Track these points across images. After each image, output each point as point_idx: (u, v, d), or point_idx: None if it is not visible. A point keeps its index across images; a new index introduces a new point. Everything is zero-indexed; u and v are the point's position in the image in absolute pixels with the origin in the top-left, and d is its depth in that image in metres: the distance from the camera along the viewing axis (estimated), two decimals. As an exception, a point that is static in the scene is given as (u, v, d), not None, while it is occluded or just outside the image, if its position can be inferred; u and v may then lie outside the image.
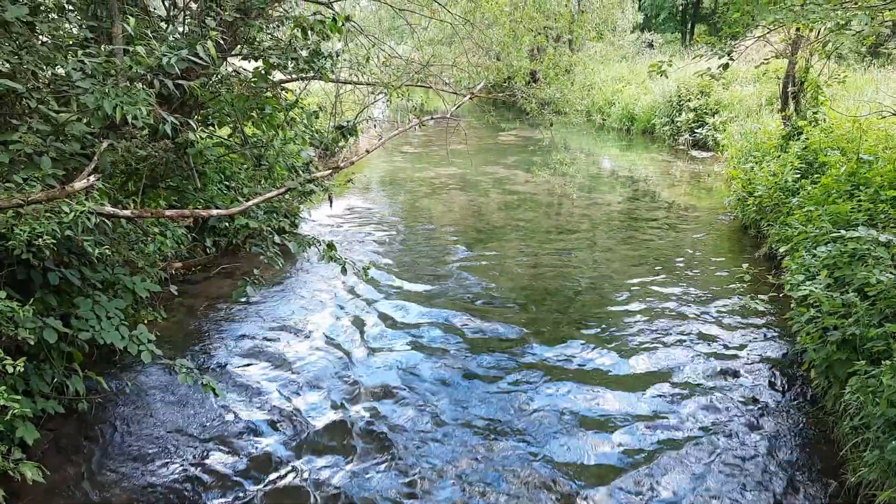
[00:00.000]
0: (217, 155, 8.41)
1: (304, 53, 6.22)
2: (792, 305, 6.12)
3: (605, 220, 11.29)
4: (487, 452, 4.80)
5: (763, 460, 4.71)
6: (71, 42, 5.27)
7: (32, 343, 4.05)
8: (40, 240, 3.86)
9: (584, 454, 4.80)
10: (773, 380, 5.80)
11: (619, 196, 13.25)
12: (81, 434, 4.86)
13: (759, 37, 8.00)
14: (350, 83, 8.79)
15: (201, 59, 5.41)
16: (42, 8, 4.96)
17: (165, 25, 6.89)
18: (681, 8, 37.20)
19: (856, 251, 5.51)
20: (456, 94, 9.99)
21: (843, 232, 5.65)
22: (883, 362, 4.23)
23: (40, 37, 5.07)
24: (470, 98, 9.95)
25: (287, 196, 6.37)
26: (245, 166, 8.44)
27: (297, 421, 5.16)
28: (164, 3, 6.97)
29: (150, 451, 4.73)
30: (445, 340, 6.52)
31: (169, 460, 4.65)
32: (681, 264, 8.81)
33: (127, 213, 4.83)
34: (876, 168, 7.35)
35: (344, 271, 5.75)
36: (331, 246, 5.78)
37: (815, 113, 10.43)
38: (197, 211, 5.64)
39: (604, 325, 6.87)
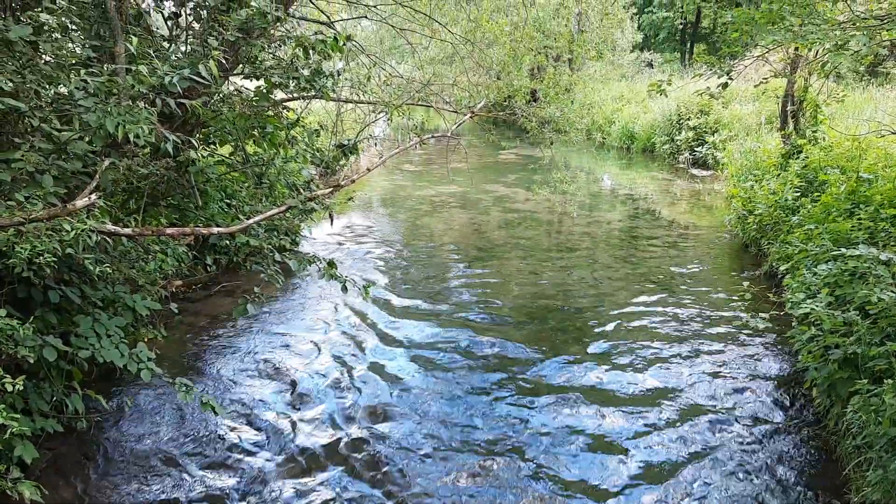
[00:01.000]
0: (218, 173, 8.44)
1: (306, 72, 6.26)
2: (793, 324, 6.12)
3: (605, 238, 11.30)
4: (487, 472, 4.76)
5: (765, 479, 4.67)
6: (74, 61, 5.32)
7: (32, 361, 4.03)
8: (41, 258, 3.86)
9: (585, 473, 4.77)
10: (774, 398, 5.77)
11: (619, 214, 13.27)
12: (80, 453, 4.83)
13: (757, 56, 8.05)
14: (351, 102, 8.85)
15: (203, 78, 5.45)
16: (45, 28, 5.00)
17: (168, 45, 6.94)
18: (680, 27, 37.47)
19: (856, 269, 5.51)
20: (456, 112, 10.04)
21: (843, 250, 5.66)
22: (885, 381, 4.22)
23: (43, 56, 5.12)
24: (470, 117, 9.98)
25: (288, 214, 6.38)
26: (246, 184, 8.47)
27: (297, 440, 5.13)
28: (166, 22, 7.03)
29: (149, 471, 4.70)
30: (445, 358, 6.50)
31: (168, 479, 4.61)
32: (681, 282, 8.80)
33: (128, 231, 4.83)
34: (876, 186, 7.37)
35: (345, 289, 5.75)
36: (331, 264, 5.78)
37: (814, 131, 10.48)
38: (198, 229, 5.65)
39: (604, 344, 6.85)
